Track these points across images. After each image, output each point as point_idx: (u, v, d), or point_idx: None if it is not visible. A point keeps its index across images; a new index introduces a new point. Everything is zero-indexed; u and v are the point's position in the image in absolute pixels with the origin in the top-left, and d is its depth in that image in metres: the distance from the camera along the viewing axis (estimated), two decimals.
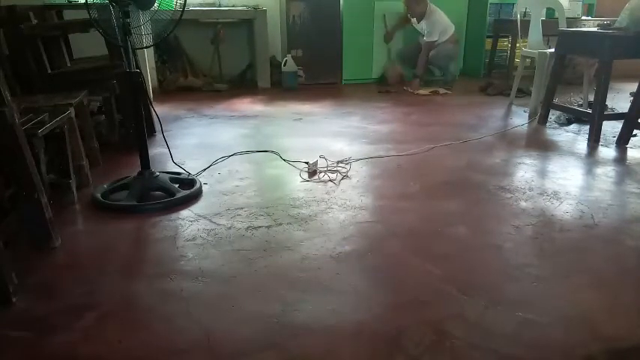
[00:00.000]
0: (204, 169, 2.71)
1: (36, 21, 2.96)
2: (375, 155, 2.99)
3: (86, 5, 2.11)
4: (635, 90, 3.22)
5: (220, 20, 5.24)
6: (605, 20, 5.11)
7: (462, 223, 2.11)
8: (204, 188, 2.45)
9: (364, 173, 2.70)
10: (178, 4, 2.18)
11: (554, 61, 3.72)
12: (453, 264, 1.78)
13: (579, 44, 3.54)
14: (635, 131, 3.25)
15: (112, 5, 2.10)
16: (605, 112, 3.37)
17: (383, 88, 5.27)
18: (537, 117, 3.81)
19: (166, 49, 5.17)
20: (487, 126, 3.73)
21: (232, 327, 1.43)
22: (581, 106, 4.09)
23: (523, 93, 4.67)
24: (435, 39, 5.15)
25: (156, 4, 2.16)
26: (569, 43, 3.60)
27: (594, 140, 3.23)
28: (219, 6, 5.30)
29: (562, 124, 3.72)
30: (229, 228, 2.03)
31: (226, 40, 5.33)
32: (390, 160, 2.91)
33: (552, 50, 3.93)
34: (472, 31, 6.10)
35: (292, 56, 5.21)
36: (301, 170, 2.71)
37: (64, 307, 1.52)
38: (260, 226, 2.04)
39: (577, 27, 5.14)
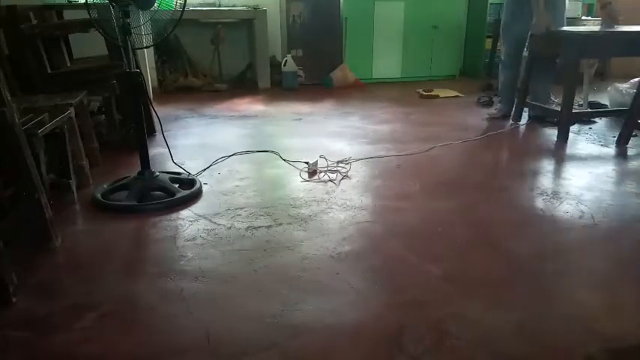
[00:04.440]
0: (204, 169, 2.71)
1: (36, 21, 2.96)
2: (375, 155, 2.99)
3: (86, 5, 2.11)
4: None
5: (220, 20, 5.24)
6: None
7: (462, 223, 2.11)
8: (204, 188, 2.45)
9: (364, 173, 2.70)
10: (178, 4, 2.18)
11: (526, 64, 3.67)
12: (453, 264, 1.78)
13: (548, 46, 3.48)
14: (635, 131, 3.26)
15: (112, 5, 2.10)
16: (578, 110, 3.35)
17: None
18: (512, 114, 3.83)
19: (166, 49, 5.17)
20: (487, 126, 3.73)
21: (232, 327, 1.43)
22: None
23: None
24: None
25: (156, 4, 2.16)
26: (539, 46, 3.54)
27: (563, 140, 3.24)
28: (219, 6, 5.30)
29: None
30: (229, 228, 2.03)
31: (226, 40, 5.33)
32: (390, 160, 2.91)
33: None
34: (472, 31, 6.10)
35: (292, 56, 5.21)
36: (301, 170, 2.71)
37: (64, 307, 1.52)
38: (260, 226, 2.04)
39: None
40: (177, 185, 2.40)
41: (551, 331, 1.41)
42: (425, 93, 4.95)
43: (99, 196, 2.28)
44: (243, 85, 5.46)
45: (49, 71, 2.85)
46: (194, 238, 1.94)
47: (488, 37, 5.88)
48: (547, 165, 2.90)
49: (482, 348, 1.34)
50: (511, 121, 3.80)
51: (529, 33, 3.53)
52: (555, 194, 2.38)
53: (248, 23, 5.42)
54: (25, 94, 2.62)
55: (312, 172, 2.68)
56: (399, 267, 1.76)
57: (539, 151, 3.14)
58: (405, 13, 5.58)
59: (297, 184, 2.55)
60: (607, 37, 3.23)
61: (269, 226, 2.04)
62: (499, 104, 4.05)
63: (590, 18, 5.74)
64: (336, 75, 5.38)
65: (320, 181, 2.58)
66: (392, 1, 5.51)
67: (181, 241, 1.92)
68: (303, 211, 2.19)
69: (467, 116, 4.03)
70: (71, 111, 2.34)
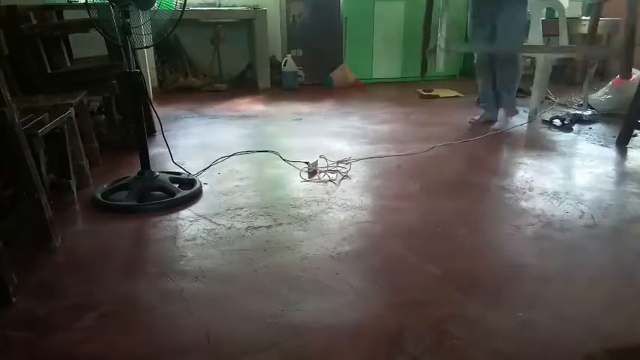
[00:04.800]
0: (204, 169, 2.70)
1: (36, 21, 2.96)
2: (375, 155, 2.98)
3: (86, 5, 2.11)
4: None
5: (220, 20, 5.24)
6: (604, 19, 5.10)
7: (462, 223, 2.11)
8: (204, 188, 2.45)
9: (364, 173, 2.70)
10: (178, 4, 2.18)
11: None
12: (453, 264, 1.77)
13: None
14: (635, 131, 3.25)
15: (112, 5, 2.10)
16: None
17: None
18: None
19: (166, 49, 5.17)
20: (487, 126, 3.73)
21: (232, 327, 1.43)
22: (581, 106, 4.09)
23: (523, 93, 4.67)
24: None
25: (156, 4, 2.16)
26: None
27: None
28: (219, 6, 5.30)
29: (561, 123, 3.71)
30: (229, 228, 2.03)
31: (226, 40, 5.33)
32: (390, 160, 2.91)
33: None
34: None
35: (292, 56, 5.21)
36: (301, 170, 2.71)
37: (64, 307, 1.52)
38: (260, 226, 2.04)
39: (577, 27, 5.15)
40: (177, 185, 2.40)
41: (551, 331, 1.41)
42: (425, 93, 4.95)
43: (99, 196, 2.28)
44: (243, 85, 5.46)
45: (49, 71, 2.85)
46: (194, 238, 1.94)
47: None
48: (547, 165, 2.90)
49: (483, 348, 1.34)
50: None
51: None
52: (555, 194, 2.38)
53: (248, 23, 5.42)
54: (25, 94, 2.62)
55: (312, 172, 2.68)
56: (399, 267, 1.76)
57: (540, 151, 3.13)
58: (405, 13, 5.57)
59: (297, 184, 2.55)
60: None
61: (269, 226, 2.04)
62: (482, 109, 3.86)
63: (589, 18, 5.73)
64: (336, 75, 5.38)
65: (320, 181, 2.58)
66: (392, 1, 5.51)
67: (181, 241, 1.92)
68: (303, 211, 2.19)
69: (467, 116, 4.02)
70: (71, 111, 2.34)
